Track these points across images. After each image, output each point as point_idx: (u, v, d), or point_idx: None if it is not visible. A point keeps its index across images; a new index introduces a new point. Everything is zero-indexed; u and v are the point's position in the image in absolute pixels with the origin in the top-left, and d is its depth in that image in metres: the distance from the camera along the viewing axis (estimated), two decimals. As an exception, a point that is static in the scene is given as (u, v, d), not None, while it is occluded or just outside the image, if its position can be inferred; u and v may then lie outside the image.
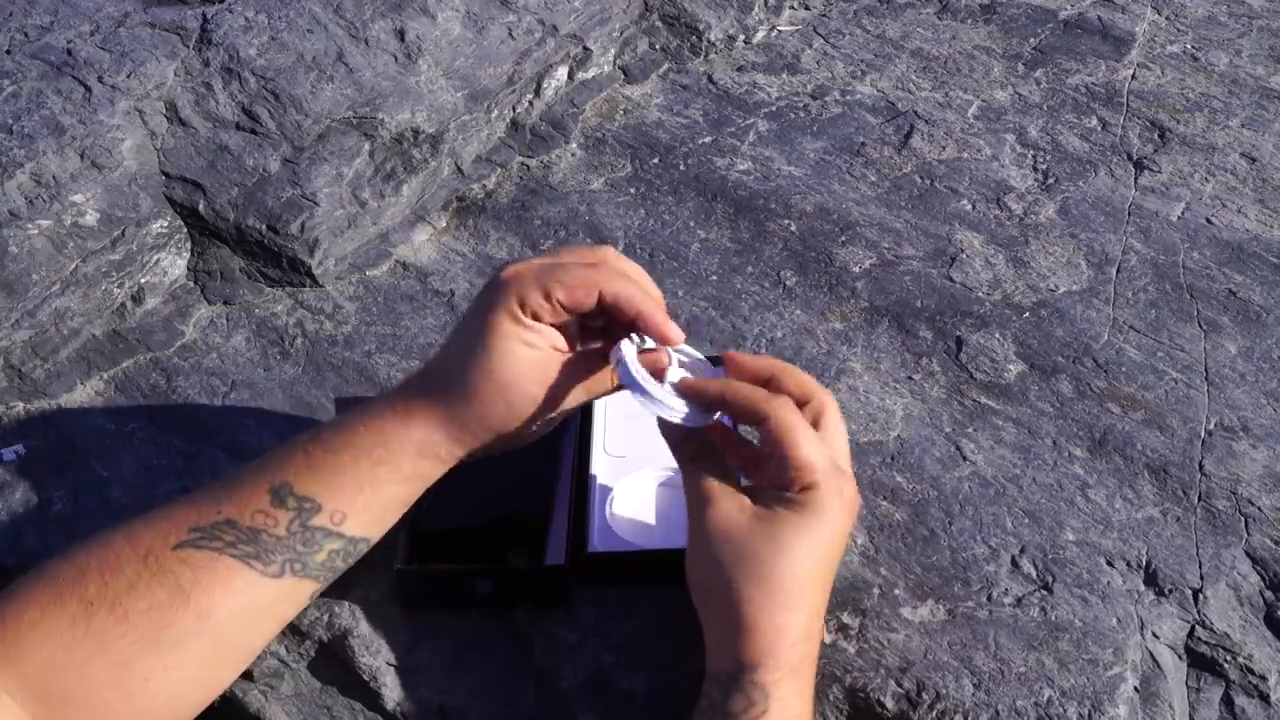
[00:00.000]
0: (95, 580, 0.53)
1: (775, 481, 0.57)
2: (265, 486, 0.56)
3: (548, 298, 0.56)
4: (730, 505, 0.57)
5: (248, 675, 0.66)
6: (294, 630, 0.67)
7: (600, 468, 0.71)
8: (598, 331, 0.61)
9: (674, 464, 0.71)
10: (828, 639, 0.64)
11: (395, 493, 0.58)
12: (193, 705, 0.56)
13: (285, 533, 0.56)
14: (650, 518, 0.69)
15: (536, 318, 0.57)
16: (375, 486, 0.58)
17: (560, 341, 0.59)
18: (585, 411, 0.74)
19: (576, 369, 0.59)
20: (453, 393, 0.58)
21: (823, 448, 0.57)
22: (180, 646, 0.53)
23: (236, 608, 0.55)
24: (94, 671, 0.51)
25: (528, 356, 0.57)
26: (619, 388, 0.60)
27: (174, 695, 0.54)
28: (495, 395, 0.57)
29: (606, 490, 0.70)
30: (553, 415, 0.59)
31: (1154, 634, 0.65)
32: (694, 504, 0.59)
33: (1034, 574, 0.68)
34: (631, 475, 0.71)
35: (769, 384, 0.60)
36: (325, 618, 0.67)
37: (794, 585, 0.55)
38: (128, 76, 0.96)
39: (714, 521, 0.57)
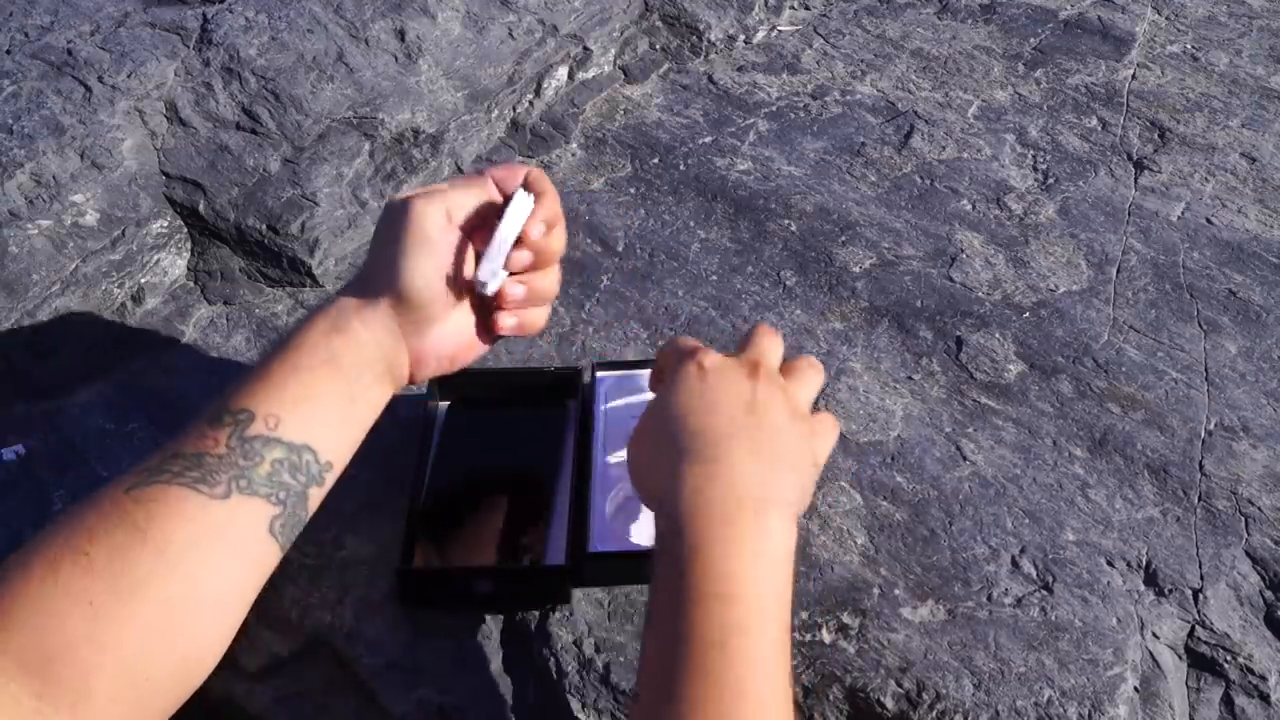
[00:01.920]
0: (59, 542, 0.53)
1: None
2: (205, 415, 0.58)
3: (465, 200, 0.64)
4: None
5: (248, 675, 0.66)
6: (294, 630, 0.67)
7: (599, 468, 0.71)
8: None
9: None
10: (827, 639, 0.64)
11: (322, 382, 0.59)
12: (175, 662, 0.55)
13: (225, 449, 0.56)
14: (650, 517, 0.69)
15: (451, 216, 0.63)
16: (296, 375, 0.59)
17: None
18: (585, 414, 0.74)
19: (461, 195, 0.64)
20: (367, 263, 0.63)
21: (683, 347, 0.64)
22: (143, 585, 0.53)
23: (191, 535, 0.54)
24: (71, 625, 0.51)
25: (439, 218, 0.62)
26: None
27: (151, 644, 0.53)
28: (402, 242, 0.61)
29: (606, 490, 0.70)
30: (446, 288, 0.62)
31: (1154, 634, 0.65)
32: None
33: (1034, 574, 0.68)
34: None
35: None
36: (325, 618, 0.67)
37: (657, 430, 0.60)
38: (128, 76, 0.96)
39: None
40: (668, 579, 0.54)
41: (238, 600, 0.58)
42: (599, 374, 0.77)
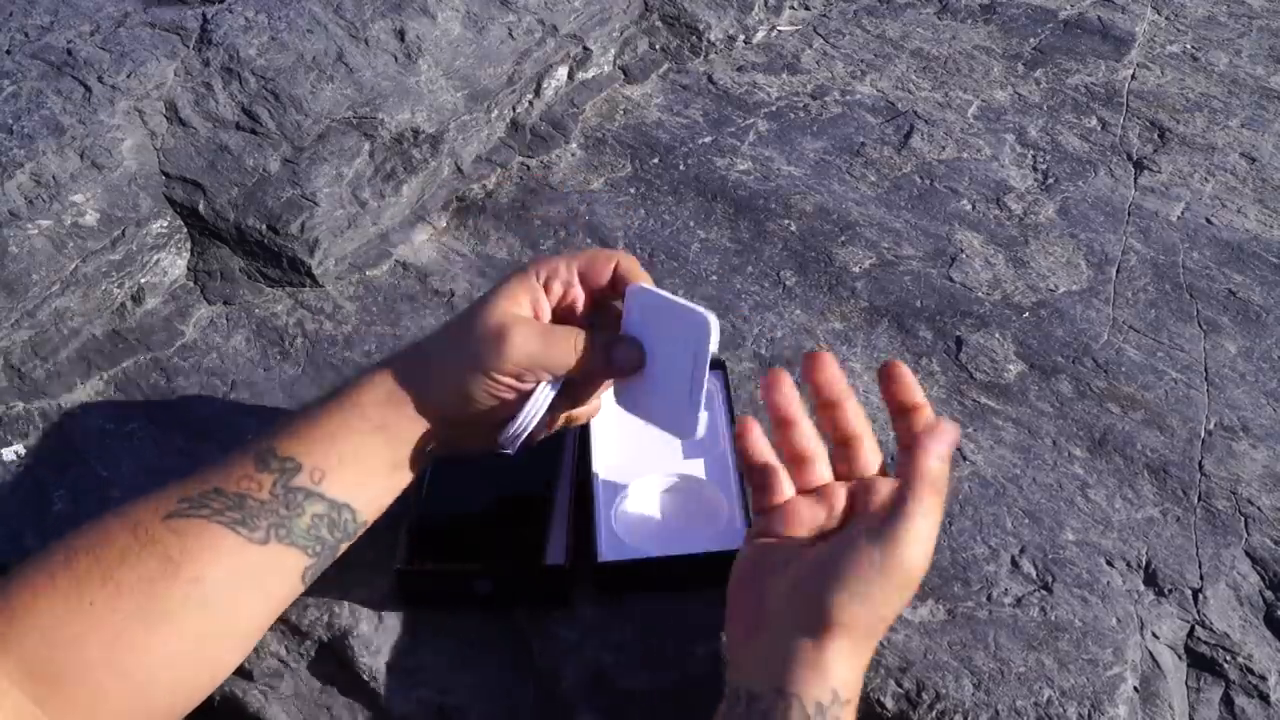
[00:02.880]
0: (86, 557, 0.53)
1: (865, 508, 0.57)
2: (252, 454, 0.58)
3: (568, 267, 0.62)
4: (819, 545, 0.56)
5: (248, 675, 0.66)
6: (294, 630, 0.67)
7: (603, 475, 0.71)
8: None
9: (676, 470, 0.71)
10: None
11: (371, 446, 0.59)
12: (189, 686, 0.56)
13: (268, 495, 0.56)
14: (658, 524, 0.69)
15: (547, 286, 0.61)
16: (349, 436, 0.58)
17: (546, 312, 0.62)
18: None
19: (543, 339, 0.61)
20: (437, 335, 0.62)
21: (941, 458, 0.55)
22: (171, 618, 0.53)
23: (225, 575, 0.54)
24: (88, 648, 0.51)
25: (508, 307, 0.60)
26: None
27: (169, 672, 0.54)
28: (464, 327, 0.60)
29: (611, 498, 0.70)
30: (501, 381, 0.59)
31: (1154, 634, 0.65)
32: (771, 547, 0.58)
33: (1034, 574, 0.68)
34: (636, 482, 0.71)
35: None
36: (325, 618, 0.67)
37: (881, 608, 0.53)
38: (128, 76, 0.96)
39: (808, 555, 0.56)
40: None
41: (258, 633, 0.59)
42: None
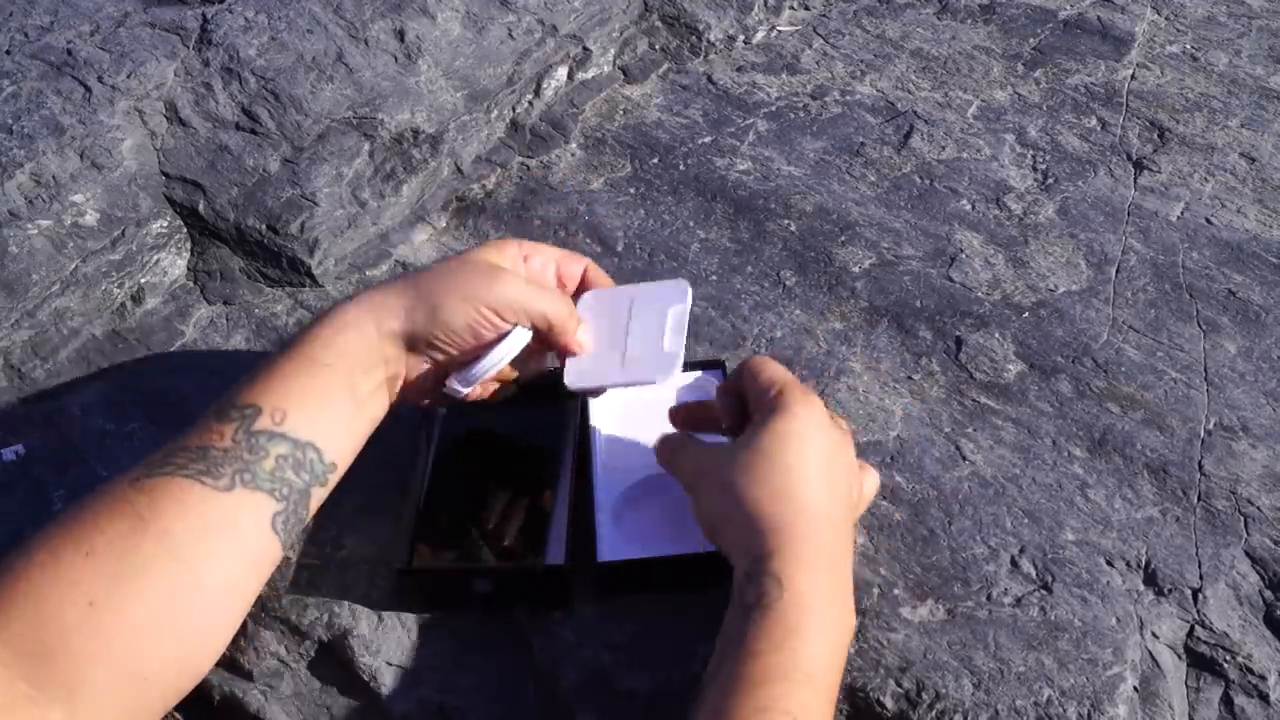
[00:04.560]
0: (60, 530, 0.54)
1: (756, 412, 0.62)
2: (212, 410, 0.59)
3: (546, 255, 0.69)
4: (713, 446, 0.63)
5: (248, 675, 0.66)
6: (294, 630, 0.67)
7: (602, 476, 0.71)
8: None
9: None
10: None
11: (329, 380, 0.60)
12: (174, 652, 0.55)
13: (231, 443, 0.57)
14: (658, 523, 0.69)
15: (527, 261, 0.69)
16: (307, 370, 0.59)
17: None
18: (583, 416, 0.74)
19: (533, 287, 0.66)
20: (412, 273, 0.65)
21: (787, 372, 0.63)
22: (143, 573, 0.53)
23: (192, 524, 0.55)
24: (66, 614, 0.51)
25: (498, 257, 0.66)
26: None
27: (150, 634, 0.53)
28: (453, 264, 0.65)
29: (610, 498, 0.70)
30: (484, 314, 0.63)
31: (1154, 634, 0.65)
32: (692, 454, 0.63)
33: (1034, 574, 0.68)
34: (636, 482, 0.71)
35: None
36: (325, 618, 0.67)
37: (783, 480, 0.58)
38: (128, 76, 0.96)
39: (714, 455, 0.61)
40: (756, 648, 0.53)
41: (238, 594, 0.58)
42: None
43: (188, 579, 0.55)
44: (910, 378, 0.81)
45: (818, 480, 0.58)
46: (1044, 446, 0.76)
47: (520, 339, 0.65)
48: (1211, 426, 0.77)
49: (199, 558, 0.55)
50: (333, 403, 0.60)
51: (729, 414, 0.65)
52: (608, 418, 0.74)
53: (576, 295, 0.72)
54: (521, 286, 0.65)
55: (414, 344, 0.63)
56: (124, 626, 0.52)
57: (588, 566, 0.66)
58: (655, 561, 0.66)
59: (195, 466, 0.56)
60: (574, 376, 0.69)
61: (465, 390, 0.66)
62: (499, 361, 0.65)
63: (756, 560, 0.55)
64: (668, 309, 0.69)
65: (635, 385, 0.68)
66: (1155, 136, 1.04)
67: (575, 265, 0.72)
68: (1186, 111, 1.07)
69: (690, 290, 0.70)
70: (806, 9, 1.23)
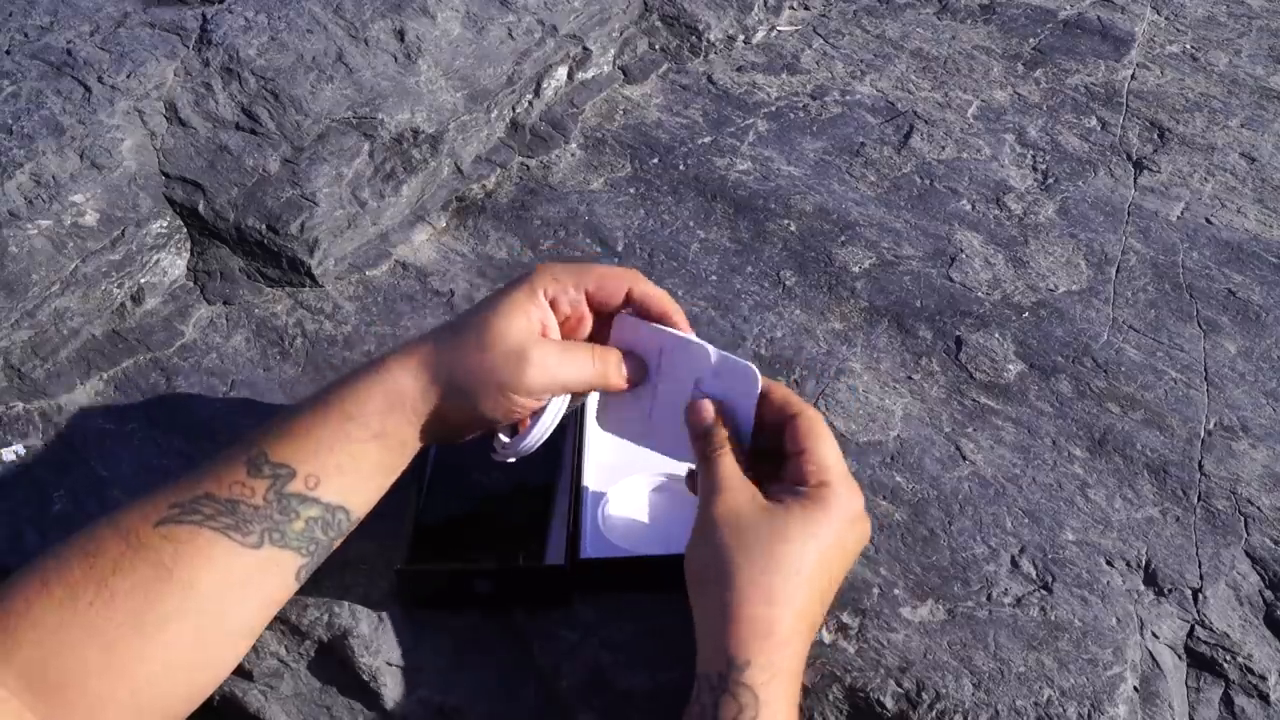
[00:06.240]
0: (80, 565, 0.53)
1: (790, 479, 0.59)
2: (243, 458, 0.57)
3: (576, 287, 0.61)
4: (742, 494, 0.58)
5: (248, 675, 0.66)
6: (294, 630, 0.67)
7: (592, 473, 0.71)
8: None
9: (666, 469, 0.71)
10: (827, 639, 0.64)
11: (368, 453, 0.59)
12: (188, 690, 0.56)
13: (262, 501, 0.56)
14: (643, 523, 0.69)
15: (554, 304, 0.61)
16: (345, 444, 0.58)
17: (555, 331, 0.62)
18: (580, 415, 0.74)
19: (561, 359, 0.61)
20: (438, 340, 0.61)
21: (840, 456, 0.59)
22: (167, 624, 0.53)
23: (219, 580, 0.54)
24: (85, 656, 0.51)
25: (524, 324, 0.60)
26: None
27: (167, 678, 0.54)
28: (480, 344, 0.59)
29: (599, 496, 0.70)
30: (519, 402, 0.60)
31: (1154, 634, 0.65)
32: (706, 491, 0.59)
33: (1034, 574, 0.68)
34: (624, 481, 0.71)
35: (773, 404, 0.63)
36: (325, 618, 0.67)
37: (788, 577, 0.55)
38: (128, 76, 0.96)
39: (723, 507, 0.58)
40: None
41: (255, 635, 0.59)
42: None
43: (212, 631, 0.55)
44: (910, 378, 0.81)
45: (821, 580, 0.57)
46: (1044, 446, 0.76)
47: (558, 411, 0.63)
48: (1211, 426, 0.77)
49: (224, 610, 0.56)
50: (367, 473, 0.59)
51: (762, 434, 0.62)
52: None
53: (618, 310, 0.66)
54: (551, 363, 0.60)
55: (456, 427, 0.62)
56: (144, 671, 0.53)
57: (571, 562, 0.66)
58: (636, 560, 0.66)
59: (224, 520, 0.55)
60: (601, 416, 0.67)
61: (514, 459, 0.65)
62: (545, 433, 0.63)
63: (733, 665, 0.53)
64: (691, 379, 0.63)
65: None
66: (1155, 136, 1.04)
67: (615, 284, 0.63)
68: (1186, 111, 1.07)
69: (759, 378, 0.62)
70: (806, 9, 1.23)
